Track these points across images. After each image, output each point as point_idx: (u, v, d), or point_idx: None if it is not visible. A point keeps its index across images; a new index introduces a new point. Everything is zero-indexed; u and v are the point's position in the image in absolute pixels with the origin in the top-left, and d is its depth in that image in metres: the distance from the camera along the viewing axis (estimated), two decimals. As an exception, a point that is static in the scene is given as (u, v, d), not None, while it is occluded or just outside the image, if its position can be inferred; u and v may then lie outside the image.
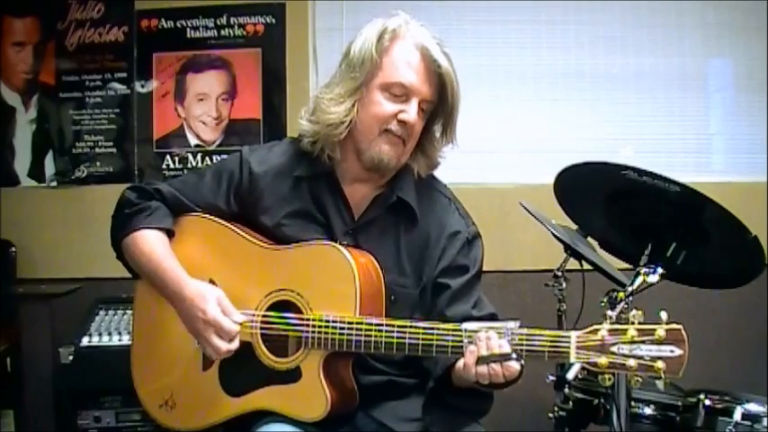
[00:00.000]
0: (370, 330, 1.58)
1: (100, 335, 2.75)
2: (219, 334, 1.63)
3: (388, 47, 1.71)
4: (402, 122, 1.69)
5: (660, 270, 1.79)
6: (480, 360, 1.48)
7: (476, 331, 1.52)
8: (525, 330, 1.51)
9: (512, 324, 1.51)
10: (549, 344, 1.49)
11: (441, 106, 1.75)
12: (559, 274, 2.17)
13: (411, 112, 1.69)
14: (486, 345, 1.49)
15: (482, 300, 1.76)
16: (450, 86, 1.71)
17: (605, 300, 1.80)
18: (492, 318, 1.70)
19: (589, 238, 2.22)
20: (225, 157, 2.05)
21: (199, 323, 1.64)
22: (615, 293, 1.77)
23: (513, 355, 1.47)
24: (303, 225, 1.75)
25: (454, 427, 1.69)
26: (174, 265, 1.72)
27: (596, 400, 2.19)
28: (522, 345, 1.50)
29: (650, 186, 1.84)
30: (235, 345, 1.65)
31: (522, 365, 1.49)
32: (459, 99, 1.74)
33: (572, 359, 1.47)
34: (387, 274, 1.70)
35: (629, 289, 1.76)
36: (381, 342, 1.58)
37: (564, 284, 2.17)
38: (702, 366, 2.89)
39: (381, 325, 1.59)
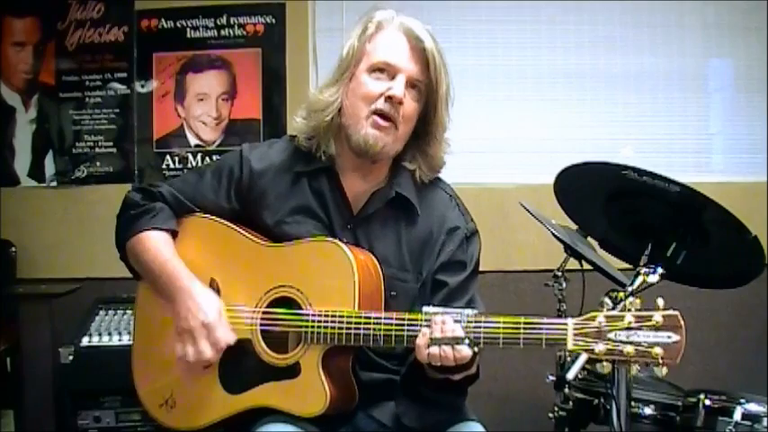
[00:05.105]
0: (369, 324, 1.58)
1: (100, 335, 2.74)
2: (210, 340, 1.65)
3: (372, 34, 1.73)
4: (389, 98, 1.68)
5: (660, 270, 1.79)
6: (432, 341, 1.50)
7: (434, 314, 1.54)
8: (482, 318, 1.51)
9: (470, 311, 1.53)
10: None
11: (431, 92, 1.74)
12: (559, 274, 2.17)
13: (397, 87, 1.68)
14: (441, 328, 1.51)
15: (475, 299, 1.76)
16: (434, 62, 1.70)
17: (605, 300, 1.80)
18: None
19: (589, 238, 2.22)
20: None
21: (196, 322, 1.65)
22: (615, 293, 1.77)
23: (466, 341, 1.49)
24: (304, 221, 1.76)
25: (428, 422, 1.68)
26: (181, 266, 1.73)
27: (596, 400, 2.18)
28: (480, 332, 1.50)
29: (650, 186, 1.84)
30: (216, 358, 1.67)
31: (474, 352, 1.50)
32: (445, 77, 1.73)
33: (570, 346, 1.46)
34: (387, 269, 1.70)
35: (629, 289, 1.75)
36: (380, 335, 1.58)
37: (564, 284, 2.17)
38: (702, 366, 2.93)
39: (380, 318, 1.59)
